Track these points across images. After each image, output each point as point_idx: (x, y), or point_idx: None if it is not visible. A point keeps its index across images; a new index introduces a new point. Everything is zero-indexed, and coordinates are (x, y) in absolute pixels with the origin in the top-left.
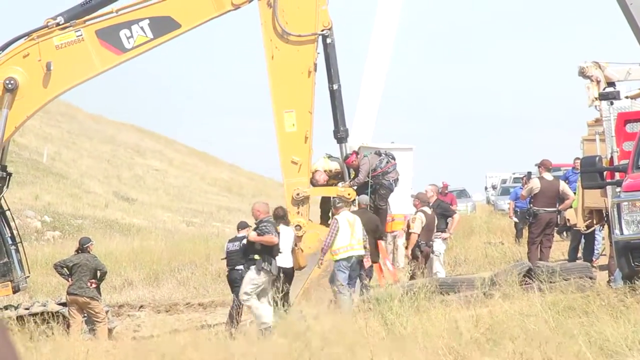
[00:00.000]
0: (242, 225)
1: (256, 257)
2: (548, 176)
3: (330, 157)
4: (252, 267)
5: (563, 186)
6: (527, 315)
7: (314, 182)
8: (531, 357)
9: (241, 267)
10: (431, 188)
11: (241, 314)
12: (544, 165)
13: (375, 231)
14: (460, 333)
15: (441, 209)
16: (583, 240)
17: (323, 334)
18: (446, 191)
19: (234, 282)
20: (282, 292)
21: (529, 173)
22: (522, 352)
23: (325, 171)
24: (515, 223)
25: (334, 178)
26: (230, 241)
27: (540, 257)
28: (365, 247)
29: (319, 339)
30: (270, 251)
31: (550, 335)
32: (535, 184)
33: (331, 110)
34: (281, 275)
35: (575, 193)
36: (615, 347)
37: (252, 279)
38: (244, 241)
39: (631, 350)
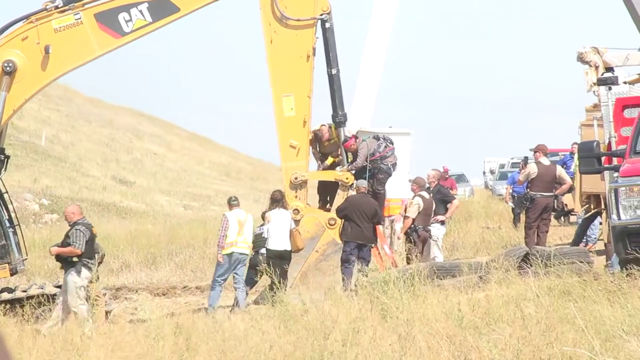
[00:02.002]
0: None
1: (74, 259)
2: (545, 161)
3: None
4: (72, 271)
5: (560, 171)
6: (524, 299)
7: (318, 134)
8: (529, 341)
9: (264, 250)
10: (434, 173)
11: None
12: (540, 150)
13: (374, 216)
14: (461, 317)
15: (441, 195)
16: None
17: (321, 318)
18: (447, 176)
19: (255, 267)
20: (279, 275)
21: (526, 158)
22: (520, 336)
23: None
24: (513, 208)
25: (336, 148)
26: (257, 227)
27: (537, 242)
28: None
29: (317, 322)
30: (91, 251)
31: (548, 320)
32: (532, 169)
33: (330, 94)
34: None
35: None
36: (612, 331)
37: (75, 282)
38: (264, 228)
39: (628, 334)
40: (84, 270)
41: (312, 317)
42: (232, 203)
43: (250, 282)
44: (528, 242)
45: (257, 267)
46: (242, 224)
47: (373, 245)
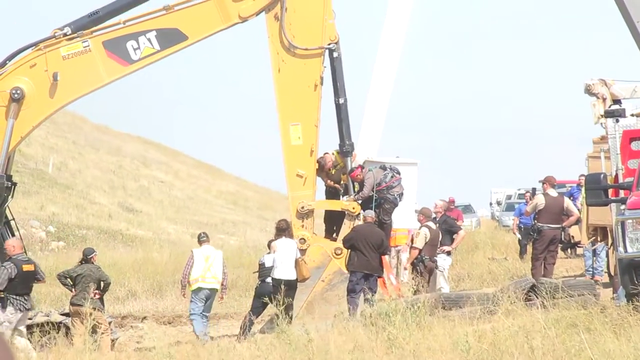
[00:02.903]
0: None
1: (1, 294)
2: (553, 192)
3: (339, 153)
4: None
5: (567, 203)
6: (530, 331)
7: (320, 162)
8: None
9: (270, 279)
10: (441, 204)
11: (251, 327)
12: (548, 182)
13: (380, 246)
14: (469, 348)
15: (447, 225)
16: (592, 257)
17: (325, 348)
18: (452, 206)
19: (262, 296)
20: (283, 304)
21: (534, 189)
22: None
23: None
24: (519, 239)
25: (343, 172)
26: (263, 256)
27: (544, 274)
28: (222, 284)
29: (323, 352)
30: (19, 287)
31: (554, 352)
32: (540, 200)
33: (337, 124)
34: (282, 287)
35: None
36: None
37: (5, 318)
38: (267, 257)
39: None
40: (10, 306)
41: (318, 347)
42: (201, 239)
43: (256, 311)
44: (535, 274)
45: (263, 297)
46: (210, 259)
47: (379, 275)
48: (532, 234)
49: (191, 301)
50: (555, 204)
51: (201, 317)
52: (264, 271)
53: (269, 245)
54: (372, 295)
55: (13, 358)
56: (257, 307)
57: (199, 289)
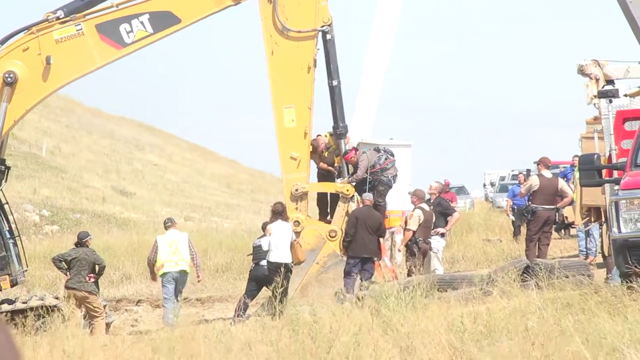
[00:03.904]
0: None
1: None
2: (547, 174)
3: (333, 135)
4: None
5: (562, 184)
6: (525, 312)
7: (313, 145)
8: (529, 354)
9: (264, 262)
10: (436, 185)
11: (246, 310)
12: (543, 163)
13: (378, 229)
14: (464, 329)
15: (442, 208)
16: (584, 237)
17: (322, 330)
18: (447, 189)
19: (257, 279)
20: (280, 286)
21: (529, 171)
22: (521, 349)
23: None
24: (513, 221)
25: (336, 155)
26: (258, 238)
27: (538, 255)
28: (195, 265)
29: (324, 333)
30: None
31: (548, 333)
32: (534, 182)
33: (330, 106)
34: (281, 270)
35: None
36: (612, 344)
37: None
38: (262, 240)
39: (628, 347)
40: None
41: (317, 328)
42: (165, 225)
43: (250, 294)
44: (529, 255)
45: (255, 280)
46: (175, 243)
47: (377, 258)
48: (526, 215)
49: (163, 285)
50: (550, 185)
51: (172, 302)
52: (258, 254)
53: (263, 228)
54: (369, 277)
55: (15, 346)
56: (252, 290)
57: (165, 274)
